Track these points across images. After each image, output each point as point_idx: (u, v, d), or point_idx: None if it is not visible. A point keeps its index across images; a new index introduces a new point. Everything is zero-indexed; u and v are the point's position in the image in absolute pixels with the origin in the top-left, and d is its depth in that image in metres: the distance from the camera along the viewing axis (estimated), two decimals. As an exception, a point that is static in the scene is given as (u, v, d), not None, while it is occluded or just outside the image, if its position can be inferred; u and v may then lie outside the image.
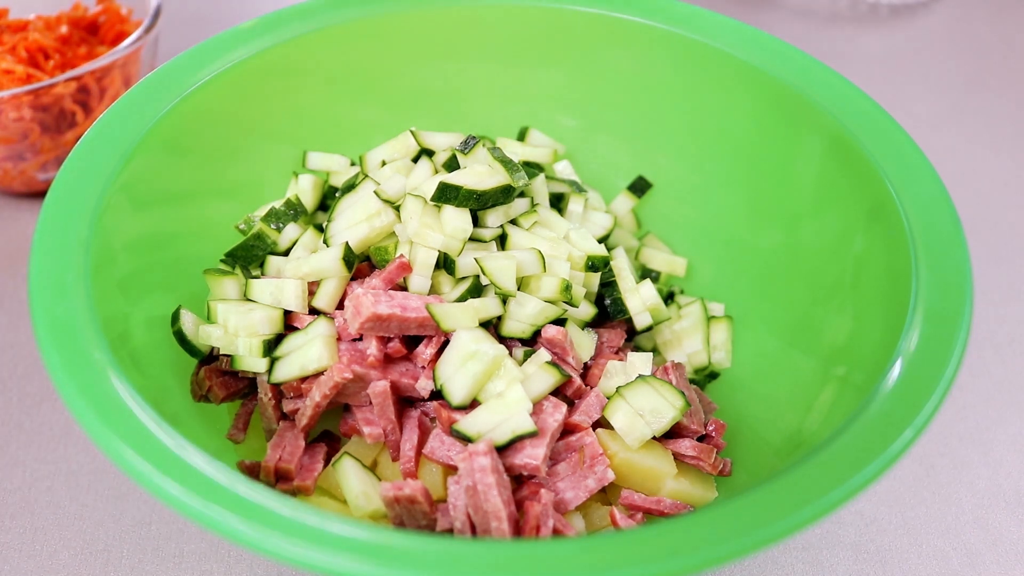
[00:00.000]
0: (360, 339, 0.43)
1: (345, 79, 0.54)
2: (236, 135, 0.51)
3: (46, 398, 0.52)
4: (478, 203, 0.45)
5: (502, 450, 0.40)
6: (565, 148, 0.57)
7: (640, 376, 0.44)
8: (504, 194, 0.45)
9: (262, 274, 0.48)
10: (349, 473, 0.41)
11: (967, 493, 0.49)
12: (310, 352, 0.42)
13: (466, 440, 0.40)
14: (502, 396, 0.41)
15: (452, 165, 0.48)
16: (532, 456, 0.40)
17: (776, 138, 0.50)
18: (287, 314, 0.45)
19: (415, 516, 0.39)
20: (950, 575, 0.45)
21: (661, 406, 0.43)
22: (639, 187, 0.56)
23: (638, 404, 0.43)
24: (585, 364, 0.46)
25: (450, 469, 0.40)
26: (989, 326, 0.57)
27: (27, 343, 0.54)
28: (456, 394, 0.41)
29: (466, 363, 0.41)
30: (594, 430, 0.43)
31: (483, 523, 0.37)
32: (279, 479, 0.42)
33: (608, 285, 0.49)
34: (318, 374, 0.42)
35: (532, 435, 0.40)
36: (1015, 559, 0.46)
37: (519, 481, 0.41)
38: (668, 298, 0.54)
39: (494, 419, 0.40)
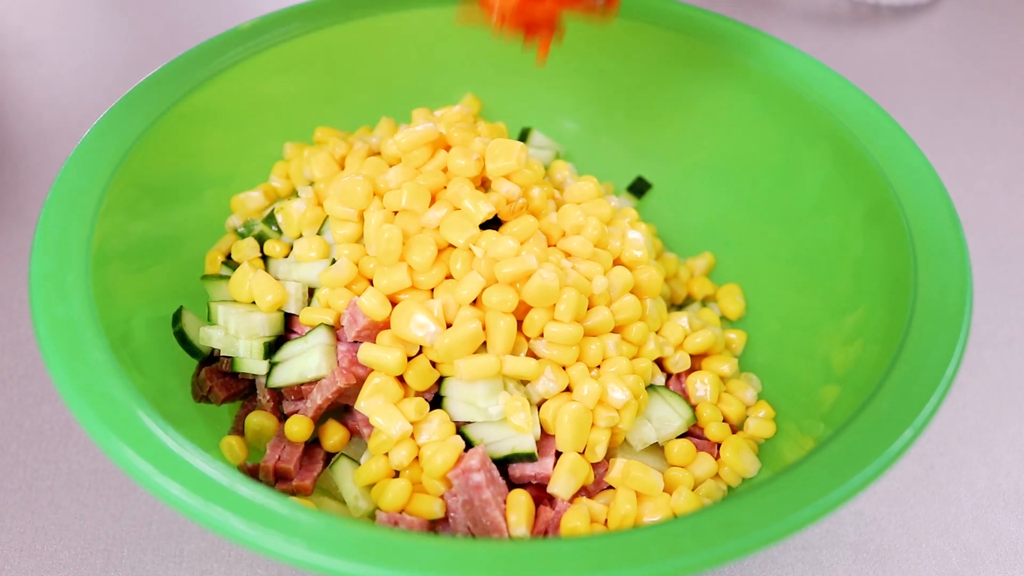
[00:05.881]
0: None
1: (346, 79, 0.54)
2: (238, 135, 0.51)
3: (46, 398, 0.52)
4: None
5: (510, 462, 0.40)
6: (566, 149, 0.57)
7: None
8: None
9: (265, 268, 0.48)
10: (347, 475, 0.41)
11: (967, 493, 0.49)
12: (309, 361, 0.42)
13: (468, 442, 0.40)
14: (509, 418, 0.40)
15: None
16: (543, 466, 0.40)
17: (775, 139, 0.50)
18: (288, 316, 0.45)
19: None
20: (949, 575, 0.45)
21: (669, 415, 0.43)
22: (638, 188, 0.56)
23: (647, 412, 0.43)
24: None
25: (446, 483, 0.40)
26: (989, 326, 0.57)
27: (27, 343, 0.54)
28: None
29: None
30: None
31: (484, 535, 0.38)
32: (278, 479, 0.42)
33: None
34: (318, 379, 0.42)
35: (530, 458, 0.40)
36: (1015, 559, 0.46)
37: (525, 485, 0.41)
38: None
39: (499, 433, 0.40)
